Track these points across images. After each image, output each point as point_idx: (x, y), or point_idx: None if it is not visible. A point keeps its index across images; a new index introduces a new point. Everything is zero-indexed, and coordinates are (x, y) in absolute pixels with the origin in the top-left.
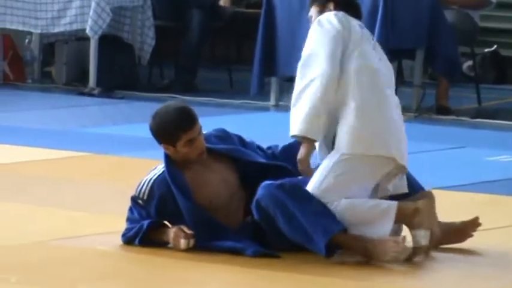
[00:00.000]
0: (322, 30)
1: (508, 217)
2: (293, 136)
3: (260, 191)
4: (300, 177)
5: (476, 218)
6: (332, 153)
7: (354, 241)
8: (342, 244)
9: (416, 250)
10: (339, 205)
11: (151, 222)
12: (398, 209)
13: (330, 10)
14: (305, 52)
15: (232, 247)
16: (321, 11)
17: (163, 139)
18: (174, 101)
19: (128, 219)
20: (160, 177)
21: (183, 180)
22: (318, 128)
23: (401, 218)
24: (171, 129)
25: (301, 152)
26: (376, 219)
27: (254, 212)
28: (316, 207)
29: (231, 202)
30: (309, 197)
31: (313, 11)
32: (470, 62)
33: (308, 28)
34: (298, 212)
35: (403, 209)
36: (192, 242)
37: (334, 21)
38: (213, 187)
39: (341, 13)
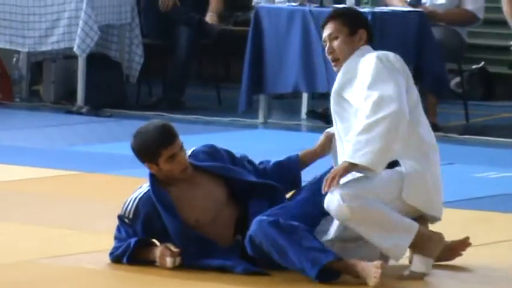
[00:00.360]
0: (386, 67)
1: (496, 233)
2: (354, 164)
3: (253, 227)
4: (288, 202)
5: (467, 238)
6: (393, 181)
7: (345, 268)
8: (335, 271)
9: (414, 274)
10: (369, 201)
11: (138, 241)
12: (418, 231)
13: (361, 38)
14: (372, 86)
15: (221, 265)
16: (351, 35)
17: (145, 158)
18: (158, 119)
19: (116, 238)
20: (145, 196)
21: (169, 198)
22: (383, 164)
23: (417, 240)
24: (151, 147)
25: (341, 172)
26: (397, 231)
27: (247, 247)
28: (306, 242)
29: (219, 220)
30: (300, 232)
31: (339, 29)
32: (458, 79)
33: (297, 44)
34: (289, 248)
35: (422, 232)
36: (178, 260)
37: (394, 60)
38: (200, 205)
39: (392, 53)
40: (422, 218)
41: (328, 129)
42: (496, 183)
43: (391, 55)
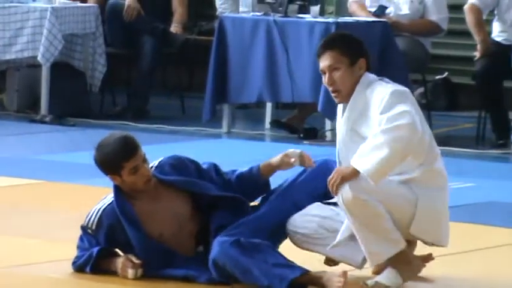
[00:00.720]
0: (402, 95)
1: (461, 243)
2: (357, 168)
3: (215, 249)
4: (249, 217)
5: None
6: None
7: (311, 281)
8: (302, 285)
9: (379, 285)
10: (373, 201)
11: (100, 250)
12: (404, 249)
13: (361, 67)
14: (386, 110)
15: (184, 274)
16: (352, 65)
17: (108, 170)
18: (120, 129)
19: (79, 247)
20: (109, 207)
21: (133, 211)
22: (382, 175)
23: (398, 257)
24: (113, 160)
25: (346, 176)
26: (385, 240)
27: (212, 270)
28: (271, 259)
29: (182, 233)
30: (264, 249)
31: (339, 60)
32: (421, 89)
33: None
34: (254, 266)
35: (406, 253)
36: (140, 271)
37: (409, 92)
38: (164, 219)
39: (405, 88)
40: (411, 242)
41: (291, 151)
42: (459, 194)
43: (406, 89)
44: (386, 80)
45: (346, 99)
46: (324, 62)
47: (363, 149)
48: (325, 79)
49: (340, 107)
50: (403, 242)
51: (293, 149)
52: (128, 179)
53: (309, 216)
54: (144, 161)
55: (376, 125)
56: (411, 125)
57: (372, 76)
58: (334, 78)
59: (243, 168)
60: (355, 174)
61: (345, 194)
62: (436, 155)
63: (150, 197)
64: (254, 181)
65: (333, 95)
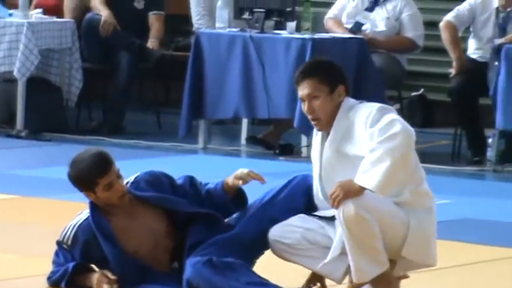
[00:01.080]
0: (388, 109)
1: (438, 260)
2: (362, 185)
3: (188, 270)
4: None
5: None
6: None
7: None
8: None
9: None
10: (373, 221)
11: (76, 265)
12: (387, 271)
13: (340, 94)
14: (375, 123)
15: None
16: (332, 92)
17: (82, 186)
18: (95, 145)
19: (54, 263)
20: (85, 223)
21: (109, 227)
22: (389, 187)
23: (380, 278)
24: (87, 176)
25: (351, 193)
26: (374, 260)
27: None
28: (244, 278)
29: (158, 249)
30: (237, 268)
31: (318, 88)
32: (397, 106)
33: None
34: (227, 286)
35: (388, 274)
36: (115, 287)
37: (393, 108)
38: (139, 235)
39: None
40: (393, 261)
41: (239, 172)
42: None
43: (390, 107)
44: (367, 102)
45: (326, 127)
46: (303, 91)
47: (364, 166)
48: (304, 107)
49: (318, 133)
50: (388, 263)
51: (241, 170)
52: (102, 195)
53: (292, 227)
54: (119, 176)
55: (365, 140)
56: (404, 131)
57: (352, 100)
58: (314, 106)
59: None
60: (360, 191)
61: (346, 209)
62: (422, 176)
63: (125, 212)
64: (219, 196)
65: (312, 123)
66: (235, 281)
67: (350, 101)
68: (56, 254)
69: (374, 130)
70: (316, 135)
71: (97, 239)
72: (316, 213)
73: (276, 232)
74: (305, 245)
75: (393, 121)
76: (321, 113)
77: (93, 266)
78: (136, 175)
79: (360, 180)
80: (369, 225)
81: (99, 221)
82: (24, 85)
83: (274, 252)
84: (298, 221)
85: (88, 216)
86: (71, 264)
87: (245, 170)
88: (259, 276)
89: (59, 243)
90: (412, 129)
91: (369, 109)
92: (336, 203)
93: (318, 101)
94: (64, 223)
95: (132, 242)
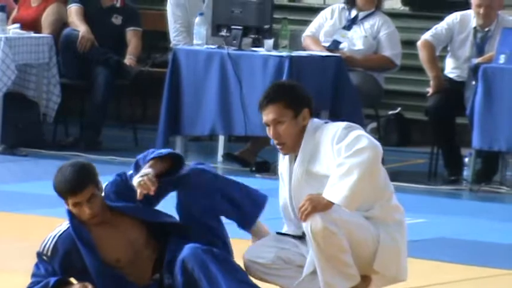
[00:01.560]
0: (353, 126)
1: (412, 279)
2: (330, 200)
3: (186, 251)
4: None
5: None
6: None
7: None
8: None
9: None
10: (341, 234)
11: (57, 280)
12: (357, 285)
13: (305, 117)
14: (341, 140)
15: None
16: (296, 117)
17: (58, 195)
18: (80, 159)
19: (34, 275)
20: (65, 233)
21: (89, 236)
22: (356, 202)
23: None
24: (59, 189)
25: (319, 208)
26: (343, 273)
27: (178, 271)
28: (241, 275)
29: (138, 260)
30: (234, 264)
31: (283, 113)
32: (374, 124)
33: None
34: (222, 278)
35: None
36: None
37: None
38: (119, 245)
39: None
40: (367, 277)
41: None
42: (410, 230)
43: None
44: (333, 122)
45: (292, 150)
46: (268, 116)
47: (331, 180)
48: (269, 132)
49: (285, 157)
50: (358, 278)
51: (135, 178)
52: (72, 210)
53: (266, 247)
54: (91, 199)
55: (332, 157)
56: (371, 145)
57: (317, 121)
58: (279, 131)
59: None
60: (328, 206)
61: (314, 223)
62: (391, 192)
63: (105, 222)
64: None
65: (278, 147)
66: (232, 275)
67: (315, 122)
68: (37, 266)
69: (341, 146)
70: (284, 158)
71: (78, 249)
72: (287, 231)
73: (250, 252)
74: (280, 264)
75: (359, 136)
76: (286, 137)
77: (72, 279)
78: (104, 185)
79: (327, 194)
80: (337, 239)
81: (79, 229)
82: (1, 100)
83: (249, 273)
84: (273, 241)
85: (68, 227)
86: (52, 279)
87: (137, 180)
88: (249, 279)
89: (39, 255)
90: (379, 144)
91: (335, 128)
92: (304, 216)
93: (282, 125)
94: (40, 239)
95: (112, 252)
